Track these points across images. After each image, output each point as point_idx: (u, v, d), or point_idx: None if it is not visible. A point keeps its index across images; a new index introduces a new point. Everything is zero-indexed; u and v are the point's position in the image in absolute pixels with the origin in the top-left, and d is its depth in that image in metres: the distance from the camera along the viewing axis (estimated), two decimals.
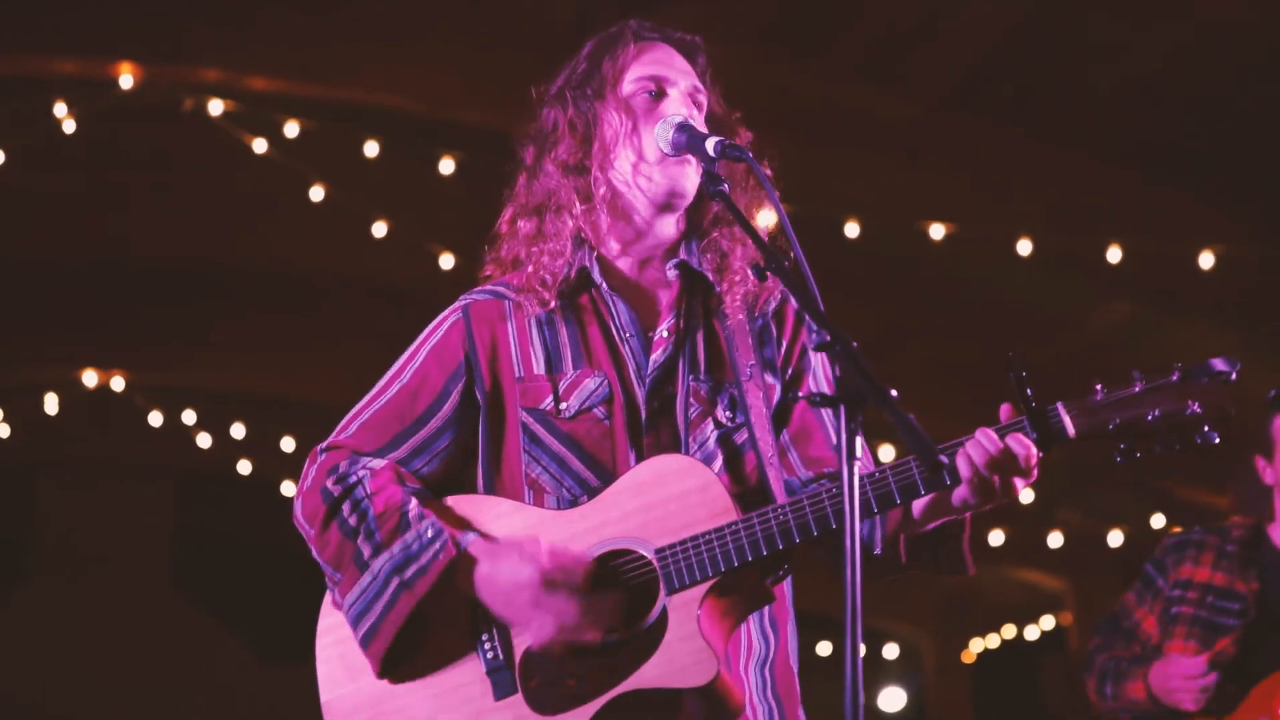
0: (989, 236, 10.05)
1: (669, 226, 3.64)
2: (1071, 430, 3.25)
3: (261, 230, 11.46)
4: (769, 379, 3.60)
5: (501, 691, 3.42)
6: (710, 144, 3.47)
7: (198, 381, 13.92)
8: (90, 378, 13.08)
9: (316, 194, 10.24)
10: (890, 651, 17.99)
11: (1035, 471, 3.27)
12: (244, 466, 14.30)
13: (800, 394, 3.20)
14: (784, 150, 10.73)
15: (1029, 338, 11.60)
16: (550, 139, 3.65)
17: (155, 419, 13.78)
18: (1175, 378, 3.23)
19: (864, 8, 9.42)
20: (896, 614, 17.35)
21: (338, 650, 3.57)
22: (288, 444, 13.61)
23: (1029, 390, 3.24)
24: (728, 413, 3.57)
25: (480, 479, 3.63)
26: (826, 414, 3.66)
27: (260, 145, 9.94)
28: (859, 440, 2.94)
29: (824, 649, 17.99)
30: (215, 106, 9.75)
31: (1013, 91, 9.88)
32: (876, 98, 10.00)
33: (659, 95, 3.64)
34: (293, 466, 13.06)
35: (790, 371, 3.65)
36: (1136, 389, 3.25)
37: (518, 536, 3.44)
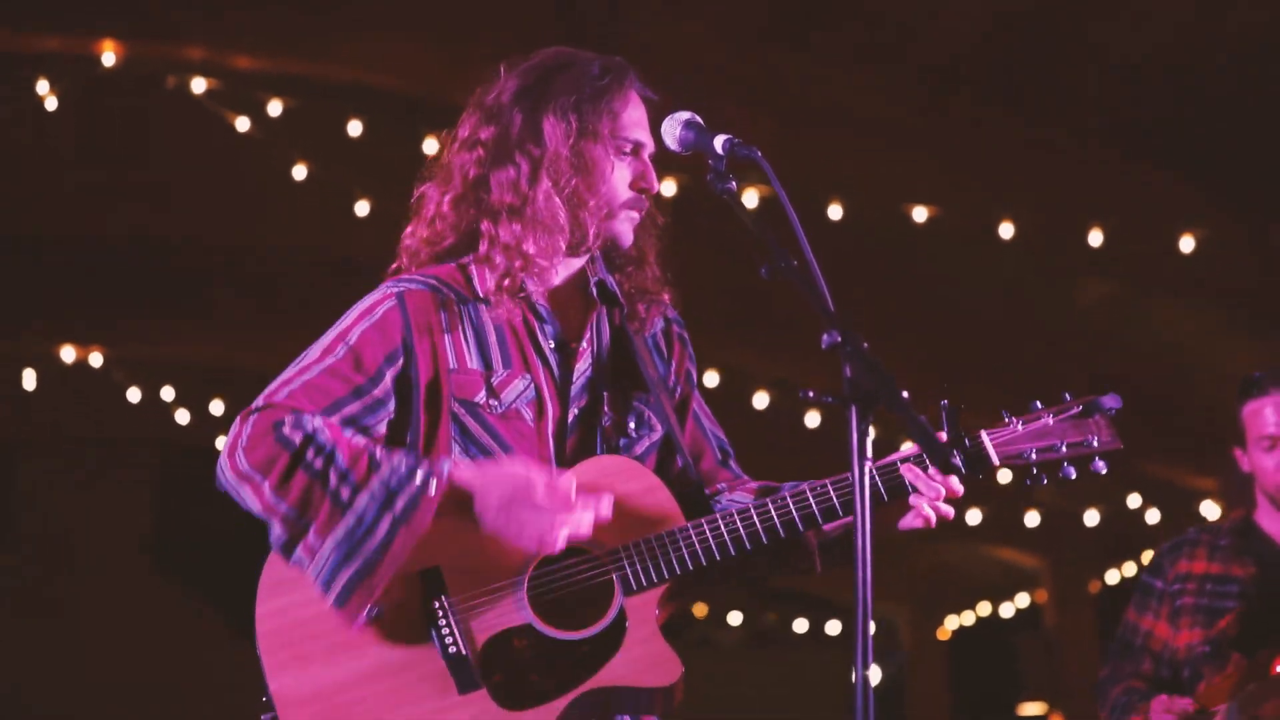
0: (971, 219, 10.08)
1: (584, 259, 3.79)
2: (995, 458, 3.56)
3: (243, 207, 11.43)
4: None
5: (464, 685, 3.42)
6: (719, 142, 3.51)
7: (177, 357, 13.87)
8: (68, 353, 13.03)
9: (300, 173, 10.21)
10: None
11: (960, 493, 3.57)
12: (223, 442, 14.25)
13: (807, 393, 3.24)
14: (768, 131, 10.73)
15: (1011, 319, 11.64)
16: (537, 149, 3.65)
17: (134, 395, 13.73)
18: (1077, 410, 3.58)
19: None
20: (874, 591, 17.34)
21: (285, 637, 3.48)
22: None
23: (959, 420, 3.46)
24: (633, 425, 3.71)
25: None
26: (710, 431, 3.88)
27: (243, 124, 9.91)
28: (869, 441, 2.99)
29: (800, 625, 18.15)
30: (198, 85, 9.73)
31: (997, 75, 9.89)
32: (861, 80, 10.01)
33: (638, 155, 3.73)
34: None
35: (679, 391, 3.84)
36: (1048, 420, 3.57)
37: (458, 552, 3.47)
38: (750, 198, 9.80)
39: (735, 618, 17.89)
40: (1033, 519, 14.25)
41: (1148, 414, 10.76)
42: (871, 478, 3.37)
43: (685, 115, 3.60)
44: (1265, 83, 9.55)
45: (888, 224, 10.13)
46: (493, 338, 3.63)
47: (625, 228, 3.71)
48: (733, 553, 3.47)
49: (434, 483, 3.39)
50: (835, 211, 10.01)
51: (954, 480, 3.51)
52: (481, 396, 3.58)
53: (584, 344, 3.69)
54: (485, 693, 3.41)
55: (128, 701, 15.46)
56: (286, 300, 12.77)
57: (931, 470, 3.48)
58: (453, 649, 3.42)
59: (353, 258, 11.78)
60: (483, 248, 3.63)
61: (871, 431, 3.03)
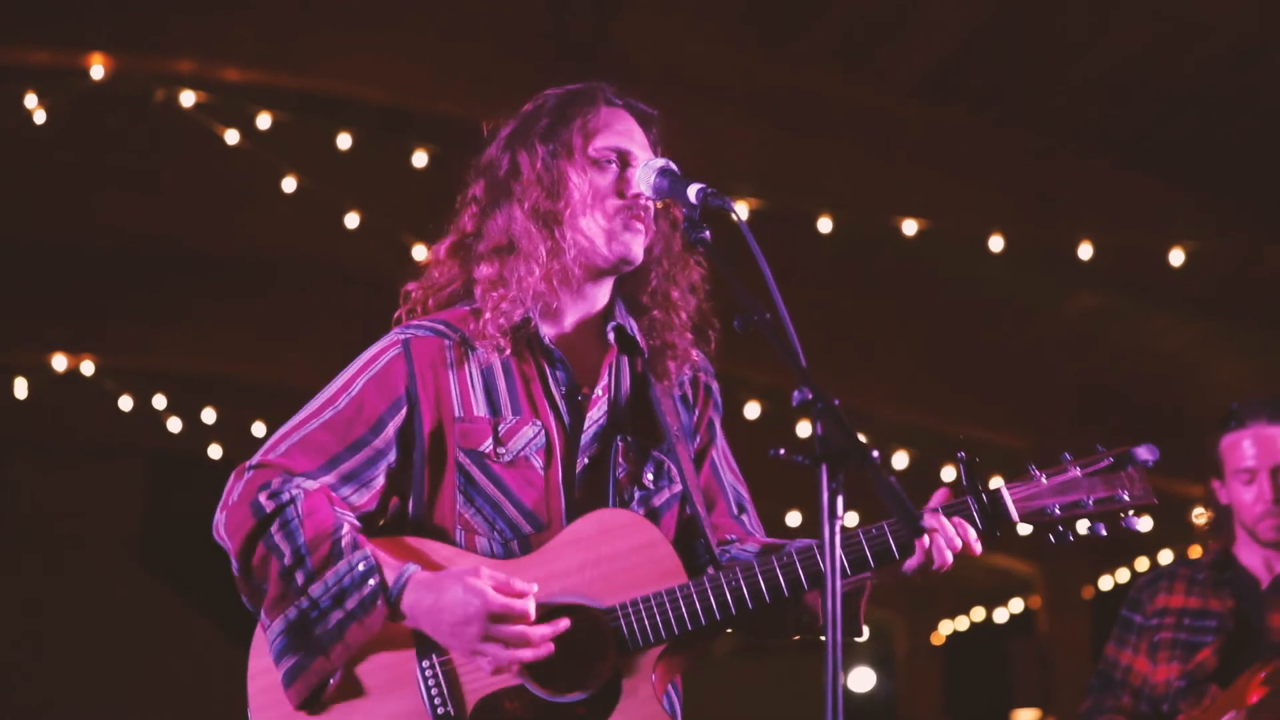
0: (962, 231, 10.06)
1: (607, 290, 3.66)
2: (1015, 516, 3.42)
3: (233, 219, 11.43)
4: (690, 445, 3.66)
5: None
6: (692, 191, 3.44)
7: (168, 366, 13.87)
8: (60, 361, 13.03)
9: (289, 185, 10.20)
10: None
11: (978, 550, 3.43)
12: (215, 450, 14.27)
13: (778, 451, 3.21)
14: (756, 140, 10.68)
15: (1001, 331, 11.63)
16: (516, 184, 3.62)
17: (125, 403, 13.74)
18: (1106, 463, 3.42)
19: None
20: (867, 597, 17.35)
21: (275, 694, 3.46)
22: (258, 428, 13.59)
23: (976, 475, 3.39)
24: (650, 476, 3.60)
25: (411, 514, 3.58)
26: (728, 483, 3.76)
27: (233, 136, 9.90)
28: (839, 500, 2.94)
29: None
30: (187, 98, 9.70)
31: (985, 83, 9.87)
32: (849, 88, 9.98)
33: (624, 165, 3.62)
34: None
35: (699, 441, 3.72)
36: (1075, 473, 3.43)
37: (462, 567, 3.39)
38: (740, 210, 9.80)
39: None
40: (1026, 526, 14.22)
41: (1137, 424, 10.74)
42: (884, 534, 3.35)
43: (660, 163, 3.55)
44: (1256, 94, 9.54)
45: (878, 236, 10.10)
46: (502, 383, 3.55)
47: (621, 240, 3.58)
48: (733, 611, 3.34)
49: (380, 602, 3.36)
50: (825, 224, 9.99)
51: (971, 534, 3.38)
52: (488, 445, 3.50)
53: (599, 391, 3.58)
54: None
55: (117, 706, 15.46)
56: (278, 311, 12.79)
57: (955, 520, 3.37)
58: (441, 710, 3.38)
59: (344, 268, 11.84)
60: (476, 291, 3.59)
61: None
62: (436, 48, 9.69)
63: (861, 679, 18.35)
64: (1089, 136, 10.16)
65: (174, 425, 13.95)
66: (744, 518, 3.75)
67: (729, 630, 3.52)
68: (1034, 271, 10.65)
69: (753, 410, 12.06)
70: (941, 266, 10.78)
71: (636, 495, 3.57)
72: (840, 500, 2.92)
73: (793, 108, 9.90)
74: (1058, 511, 3.41)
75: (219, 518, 3.45)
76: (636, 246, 3.59)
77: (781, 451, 3.16)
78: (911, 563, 3.38)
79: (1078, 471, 3.41)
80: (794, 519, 13.68)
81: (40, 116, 9.62)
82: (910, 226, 9.92)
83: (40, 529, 16.14)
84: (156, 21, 9.52)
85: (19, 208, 11.35)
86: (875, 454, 2.97)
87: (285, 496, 3.42)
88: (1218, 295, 10.64)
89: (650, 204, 3.59)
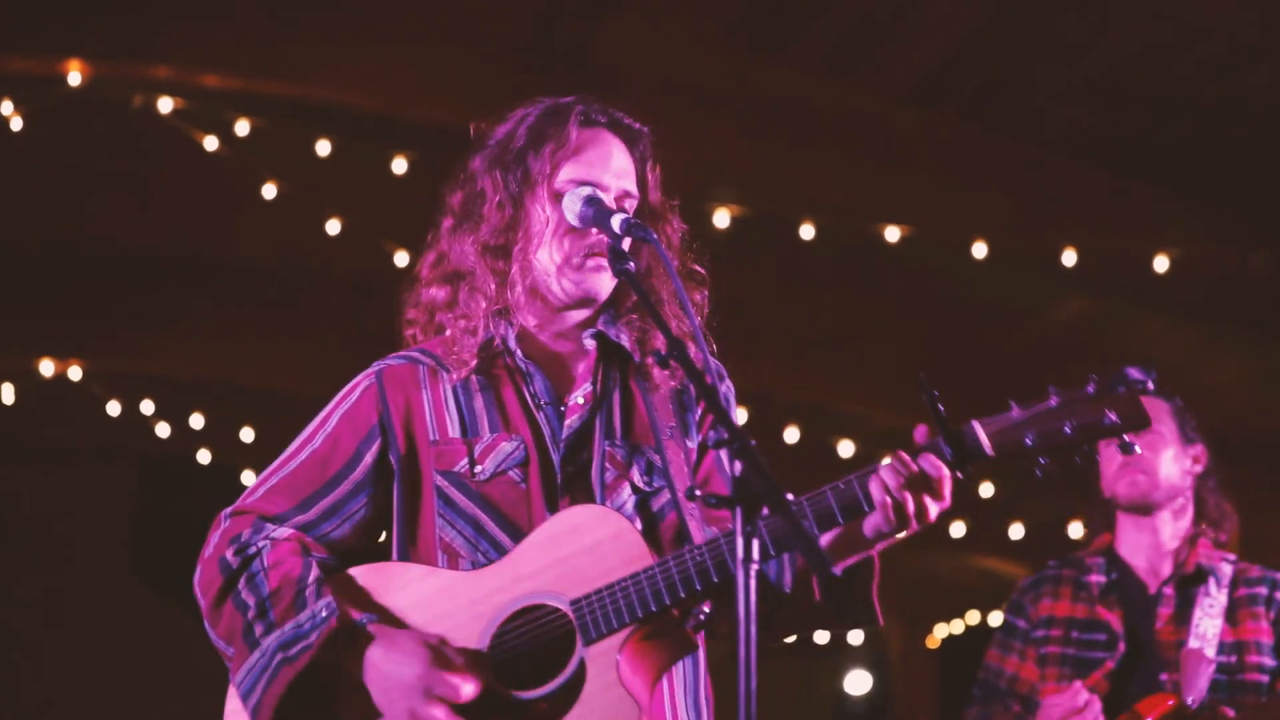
0: (945, 237, 10.01)
1: (584, 312, 3.63)
2: (989, 448, 3.24)
3: (215, 225, 11.40)
4: (689, 442, 3.59)
5: None
6: (616, 221, 3.42)
7: (155, 371, 13.84)
8: (47, 367, 12.99)
9: (269, 191, 10.16)
10: (855, 637, 17.97)
11: (948, 495, 3.26)
12: (203, 455, 14.24)
13: (697, 492, 3.15)
14: (739, 147, 10.63)
15: (987, 337, 11.59)
16: (474, 214, 3.61)
17: (114, 408, 13.70)
18: (1091, 389, 3.23)
19: (828, 2, 9.35)
20: None
21: None
22: (247, 434, 13.58)
23: (942, 410, 3.22)
24: (645, 477, 3.55)
25: (395, 544, 3.58)
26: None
27: (211, 143, 9.85)
28: (754, 543, 2.87)
29: (821, 636, 18.03)
30: (165, 104, 9.65)
31: (973, 90, 9.82)
32: (836, 94, 9.94)
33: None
34: (252, 456, 13.10)
35: (701, 439, 3.65)
36: (1053, 403, 3.24)
37: (421, 624, 3.39)
38: (721, 217, 9.76)
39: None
40: (1017, 531, 14.19)
41: None
42: (829, 497, 3.26)
43: (586, 192, 3.51)
44: (1243, 99, 9.50)
45: (860, 243, 10.06)
46: (478, 402, 3.55)
47: (580, 278, 3.55)
48: (681, 594, 3.27)
49: (325, 633, 3.36)
50: (807, 231, 9.94)
51: (945, 472, 3.22)
52: (463, 465, 3.50)
53: (579, 399, 3.57)
54: None
55: (109, 709, 15.43)
56: (263, 315, 12.76)
57: (925, 457, 3.23)
58: None
59: (329, 274, 11.81)
60: (462, 325, 3.60)
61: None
62: (418, 54, 9.65)
63: (858, 682, 18.29)
64: (1076, 143, 10.11)
65: (162, 430, 13.90)
66: None
67: (706, 611, 3.41)
68: (1021, 277, 10.61)
69: (792, 435, 12.08)
70: (929, 272, 10.74)
71: (631, 499, 3.52)
72: (755, 545, 2.86)
73: (781, 114, 9.86)
74: (1032, 442, 3.23)
75: (196, 572, 3.50)
76: (596, 284, 3.55)
77: (699, 492, 3.10)
78: (876, 518, 3.27)
79: (1055, 400, 3.25)
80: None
81: (17, 124, 9.57)
82: (893, 233, 9.88)
83: (29, 534, 16.10)
84: (134, 28, 9.48)
85: (3, 215, 11.33)
86: (790, 497, 2.92)
87: (252, 550, 3.46)
88: (1206, 300, 10.59)
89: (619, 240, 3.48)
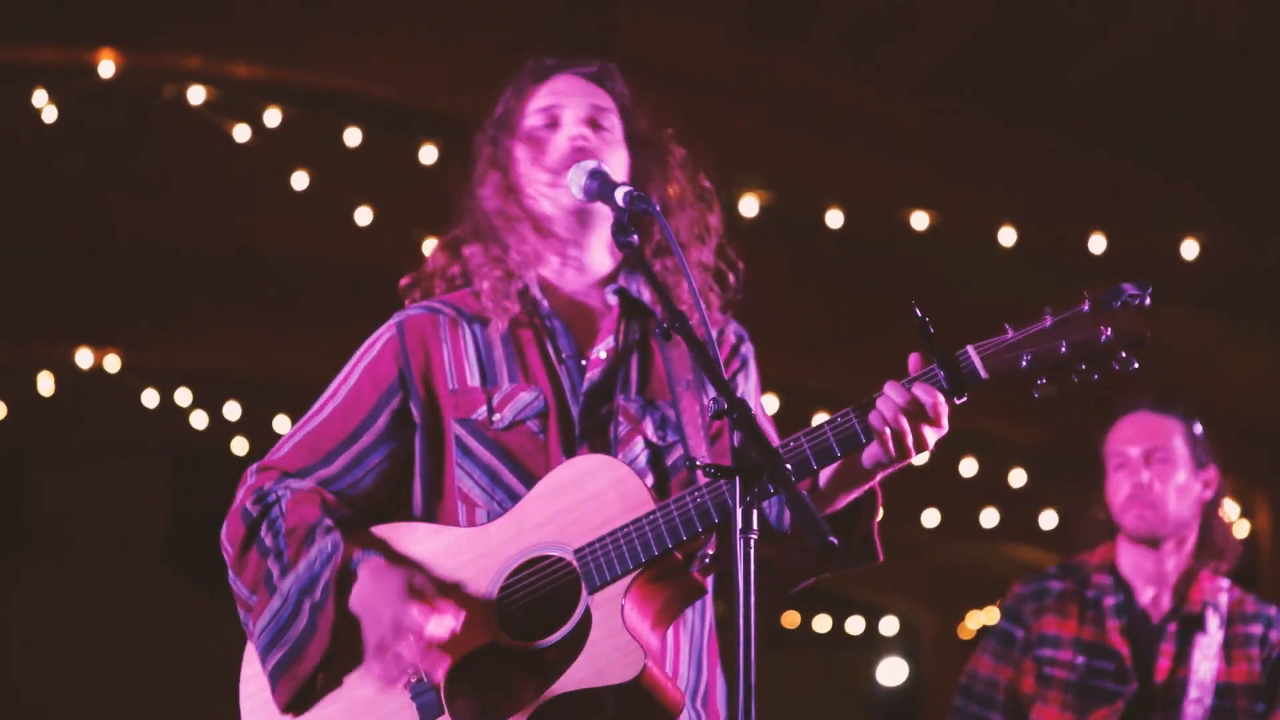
0: (972, 225, 10.00)
1: (600, 249, 3.72)
2: (983, 372, 3.27)
3: (247, 215, 11.44)
4: (705, 397, 3.61)
5: (428, 715, 3.39)
6: (620, 194, 3.49)
7: (190, 362, 13.90)
8: (84, 357, 13.06)
9: (299, 181, 10.21)
10: (888, 627, 17.96)
11: (944, 420, 3.30)
12: (239, 446, 14.29)
13: (696, 463, 3.20)
14: (765, 136, 10.65)
15: (1014, 325, 11.52)
16: (475, 176, 3.78)
17: (150, 398, 13.76)
18: (1085, 307, 3.24)
19: None
20: (893, 589, 17.33)
21: (263, 697, 3.55)
22: (281, 423, 13.61)
23: (932, 335, 3.26)
24: (658, 431, 3.60)
25: (418, 496, 3.64)
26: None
27: (242, 133, 9.91)
28: (754, 514, 2.90)
29: (822, 624, 18.03)
30: (196, 94, 9.72)
31: (993, 77, 9.82)
32: (856, 82, 9.95)
33: (552, 125, 3.72)
34: None
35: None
36: (1047, 322, 3.26)
37: (423, 561, 3.45)
38: (750, 204, 9.78)
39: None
40: (1049, 519, 14.16)
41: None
42: (827, 432, 3.30)
43: (591, 165, 3.60)
44: (1269, 85, 9.47)
45: (886, 230, 10.06)
46: (499, 352, 3.62)
47: (562, 198, 3.67)
48: (683, 535, 3.31)
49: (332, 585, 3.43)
50: (834, 218, 9.95)
51: (940, 398, 3.26)
52: (481, 413, 3.56)
53: (601, 353, 3.63)
54: (448, 718, 3.37)
55: (144, 703, 15.51)
56: (296, 305, 12.80)
57: (919, 386, 3.27)
58: (413, 682, 3.40)
59: (358, 264, 11.83)
60: (471, 272, 3.73)
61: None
62: (446, 43, 9.70)
63: (892, 671, 18.25)
64: (1097, 131, 10.08)
65: (198, 421, 13.96)
66: None
67: (711, 554, 3.44)
68: (1046, 267, 10.58)
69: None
70: (951, 262, 10.72)
71: (644, 453, 3.58)
72: (755, 515, 2.90)
73: (798, 104, 9.87)
74: (1027, 363, 3.24)
75: (223, 527, 3.59)
76: (569, 201, 3.66)
77: (698, 462, 3.14)
78: (875, 449, 3.31)
79: (1050, 320, 3.26)
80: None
81: (50, 114, 9.64)
82: (920, 220, 9.87)
83: (64, 525, 16.19)
84: (165, 18, 9.56)
85: (37, 206, 11.40)
86: (789, 466, 2.95)
87: (271, 497, 3.54)
88: (1232, 288, 10.54)
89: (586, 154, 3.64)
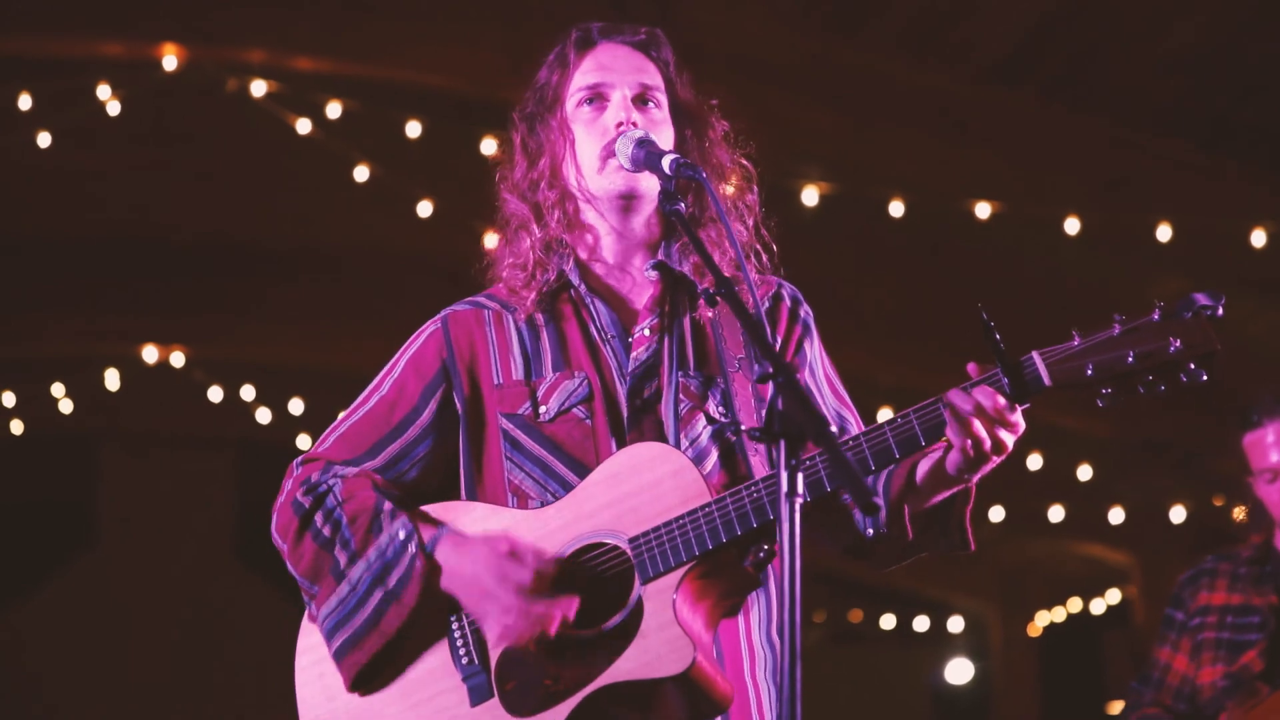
0: (1037, 215, 9.93)
1: (639, 227, 3.67)
2: (1047, 379, 3.18)
3: (310, 209, 11.50)
4: (757, 370, 3.54)
5: (478, 697, 3.38)
6: (666, 162, 3.44)
7: (255, 357, 13.98)
8: (150, 353, 13.15)
9: (361, 174, 10.24)
10: (955, 625, 17.87)
11: (1016, 422, 3.22)
12: (303, 440, 14.36)
13: (742, 427, 3.14)
14: (828, 126, 10.59)
15: (1082, 317, 11.46)
16: (507, 163, 3.72)
17: (215, 394, 13.84)
18: (1155, 316, 3.14)
19: None
20: (961, 587, 17.25)
21: (317, 670, 3.56)
22: None
23: (998, 340, 3.18)
24: (720, 408, 3.53)
25: (463, 488, 3.61)
26: (829, 405, 3.66)
27: (304, 126, 9.95)
28: (799, 477, 2.84)
29: (887, 622, 17.98)
30: (258, 87, 9.76)
31: (1058, 65, 9.74)
32: (920, 72, 9.88)
33: (599, 103, 3.64)
34: None
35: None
36: (1115, 331, 3.16)
37: (489, 532, 3.42)
38: (810, 195, 9.73)
39: (818, 615, 17.71)
40: (1117, 515, 14.04)
41: (1223, 411, 10.55)
42: (887, 433, 3.25)
43: (639, 134, 3.54)
44: None
45: (951, 220, 9.99)
46: (543, 342, 3.59)
47: (618, 178, 3.59)
48: (738, 531, 3.26)
49: (419, 567, 3.40)
50: (897, 208, 9.90)
51: (1001, 401, 3.17)
52: (526, 407, 3.54)
53: (645, 331, 3.57)
54: (496, 701, 3.36)
55: (213, 697, 15.60)
56: (358, 299, 12.84)
57: (981, 389, 3.19)
58: (465, 660, 3.40)
59: (421, 257, 11.86)
60: (508, 264, 3.68)
61: None
62: (504, 34, 9.69)
63: (959, 670, 18.16)
64: (1164, 119, 9.99)
65: (263, 416, 14.03)
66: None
67: (767, 547, 3.36)
68: (1113, 256, 10.49)
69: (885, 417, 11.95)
70: (1018, 251, 10.65)
71: (706, 430, 3.52)
72: (800, 477, 2.84)
73: (861, 92, 9.82)
74: (1093, 371, 3.14)
75: (273, 520, 3.58)
76: (633, 181, 3.58)
77: (743, 427, 3.09)
78: (954, 456, 3.24)
79: (1119, 329, 3.16)
80: None
81: (114, 108, 9.70)
82: (984, 210, 9.80)
83: (132, 520, 16.31)
84: (228, 12, 9.61)
85: (103, 202, 11.48)
86: (833, 429, 2.90)
87: (323, 487, 3.54)
88: None
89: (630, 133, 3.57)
